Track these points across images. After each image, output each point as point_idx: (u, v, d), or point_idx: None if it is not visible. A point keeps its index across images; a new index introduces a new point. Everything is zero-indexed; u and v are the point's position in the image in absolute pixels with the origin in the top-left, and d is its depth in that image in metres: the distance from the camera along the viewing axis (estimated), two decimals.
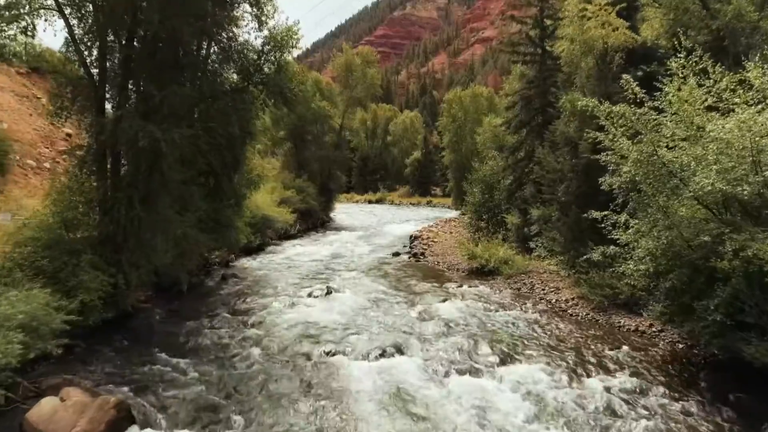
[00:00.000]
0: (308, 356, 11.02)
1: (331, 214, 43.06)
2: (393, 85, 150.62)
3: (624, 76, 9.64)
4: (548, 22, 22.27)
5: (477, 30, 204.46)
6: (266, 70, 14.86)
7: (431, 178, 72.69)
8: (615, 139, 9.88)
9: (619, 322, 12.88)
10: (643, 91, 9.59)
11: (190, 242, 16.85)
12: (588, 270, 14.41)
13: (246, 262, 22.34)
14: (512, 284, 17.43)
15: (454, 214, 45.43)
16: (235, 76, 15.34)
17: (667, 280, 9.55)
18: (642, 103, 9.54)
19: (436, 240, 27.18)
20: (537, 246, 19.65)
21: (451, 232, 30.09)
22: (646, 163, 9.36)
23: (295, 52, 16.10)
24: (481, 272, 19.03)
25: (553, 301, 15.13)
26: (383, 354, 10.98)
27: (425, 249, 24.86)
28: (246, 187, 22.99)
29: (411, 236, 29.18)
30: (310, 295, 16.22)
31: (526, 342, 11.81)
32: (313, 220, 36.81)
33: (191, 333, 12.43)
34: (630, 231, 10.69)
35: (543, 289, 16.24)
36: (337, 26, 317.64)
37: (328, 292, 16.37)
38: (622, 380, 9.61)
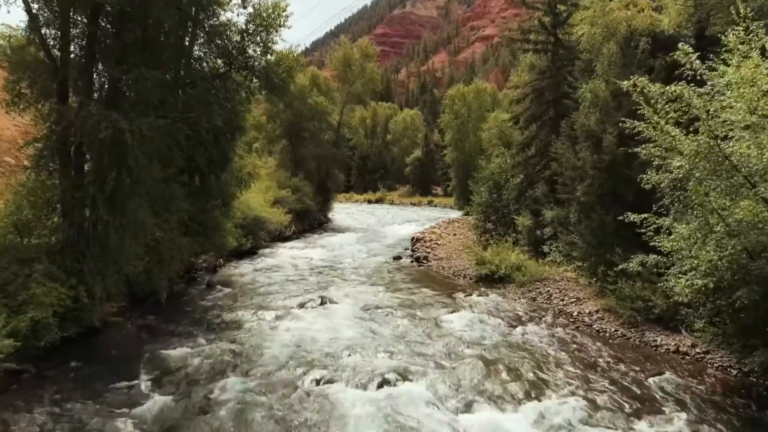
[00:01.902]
0: (296, 385, 9.37)
1: (329, 215, 41.37)
2: (393, 84, 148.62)
3: (680, 45, 7.99)
4: (561, 7, 20.61)
5: (477, 28, 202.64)
6: (251, 52, 13.18)
7: (432, 177, 70.97)
8: (664, 127, 8.21)
9: (655, 341, 11.23)
10: (704, 65, 7.90)
11: (170, 247, 15.21)
12: (616, 279, 12.76)
13: (235, 267, 20.69)
14: (526, 293, 15.77)
15: (457, 214, 43.75)
16: (215, 59, 13.65)
17: (732, 299, 7.89)
18: (703, 82, 7.88)
19: (439, 242, 25.52)
20: (551, 250, 18.01)
21: (455, 234, 28.43)
22: (704, 156, 7.70)
23: (286, 35, 14.33)
24: (491, 279, 17.37)
25: (575, 314, 13.48)
26: (385, 382, 9.33)
27: (428, 252, 23.20)
28: (235, 186, 21.38)
29: (413, 238, 27.53)
30: (302, 306, 14.58)
31: (550, 366, 10.16)
32: (310, 221, 35.13)
33: (162, 354, 10.75)
34: (674, 237, 9.06)
35: (562, 300, 14.59)
36: (336, 25, 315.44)
37: (323, 303, 14.73)
38: (672, 419, 7.98)
